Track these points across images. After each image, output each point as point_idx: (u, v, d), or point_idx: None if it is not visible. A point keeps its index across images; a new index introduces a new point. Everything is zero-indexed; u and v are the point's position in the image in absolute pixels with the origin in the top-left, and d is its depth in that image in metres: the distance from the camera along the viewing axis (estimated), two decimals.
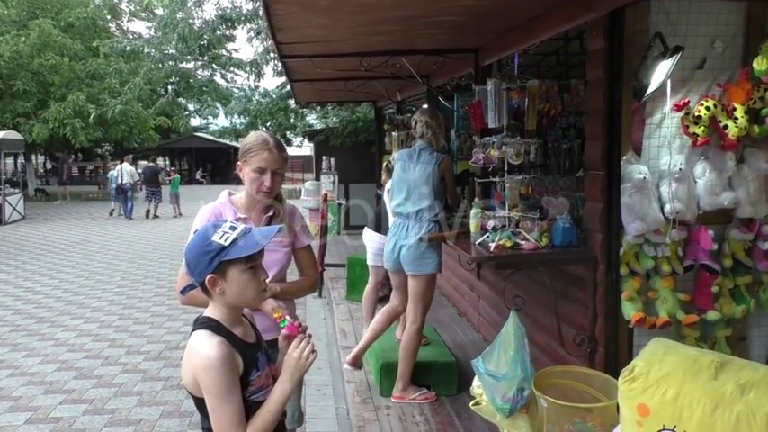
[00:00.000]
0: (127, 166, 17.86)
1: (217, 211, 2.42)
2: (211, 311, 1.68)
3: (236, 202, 2.46)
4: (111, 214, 17.80)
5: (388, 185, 4.90)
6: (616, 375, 1.79)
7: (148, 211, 17.50)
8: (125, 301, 7.52)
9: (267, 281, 2.11)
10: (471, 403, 2.95)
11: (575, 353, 3.27)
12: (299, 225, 2.57)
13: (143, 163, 23.27)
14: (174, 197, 17.91)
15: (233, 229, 1.62)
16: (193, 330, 1.66)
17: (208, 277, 1.61)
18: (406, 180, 3.89)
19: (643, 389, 1.51)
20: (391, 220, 4.12)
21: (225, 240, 1.59)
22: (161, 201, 17.88)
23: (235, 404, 1.58)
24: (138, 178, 18.60)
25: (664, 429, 1.46)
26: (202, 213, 2.42)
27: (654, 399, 1.48)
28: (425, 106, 4.38)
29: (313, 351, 1.67)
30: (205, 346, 1.58)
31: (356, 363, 4.19)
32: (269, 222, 2.43)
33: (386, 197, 4.86)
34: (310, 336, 1.72)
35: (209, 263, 1.59)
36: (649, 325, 2.96)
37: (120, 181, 17.40)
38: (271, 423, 1.63)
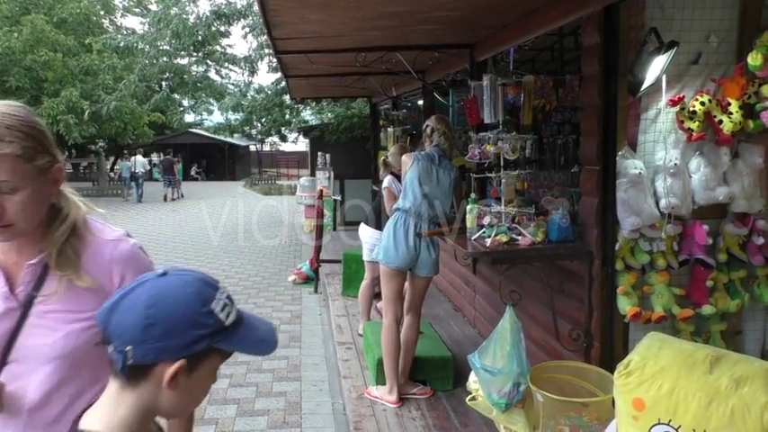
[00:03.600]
0: (140, 158, 21.66)
1: None
2: (111, 415, 0.99)
3: None
4: (126, 199, 21.17)
5: (384, 183, 4.88)
6: (611, 370, 1.79)
7: (166, 195, 20.75)
8: None
9: (26, 400, 1.29)
10: (467, 398, 2.96)
11: (570, 348, 3.28)
12: (121, 273, 1.34)
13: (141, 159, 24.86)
14: (178, 182, 22.00)
15: (229, 301, 1.05)
16: None
17: (177, 364, 0.96)
18: (429, 183, 3.78)
19: (638, 383, 1.51)
20: (392, 216, 3.98)
21: (226, 317, 1.02)
22: (176, 186, 21.37)
23: None
24: (148, 168, 22.42)
25: (659, 423, 1.47)
26: None
27: (649, 393, 1.49)
28: (439, 115, 4.35)
29: None
30: None
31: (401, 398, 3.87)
32: (42, 275, 1.30)
33: (384, 192, 4.83)
34: None
35: (194, 341, 0.97)
36: (644, 319, 2.97)
37: (133, 170, 21.07)
38: None
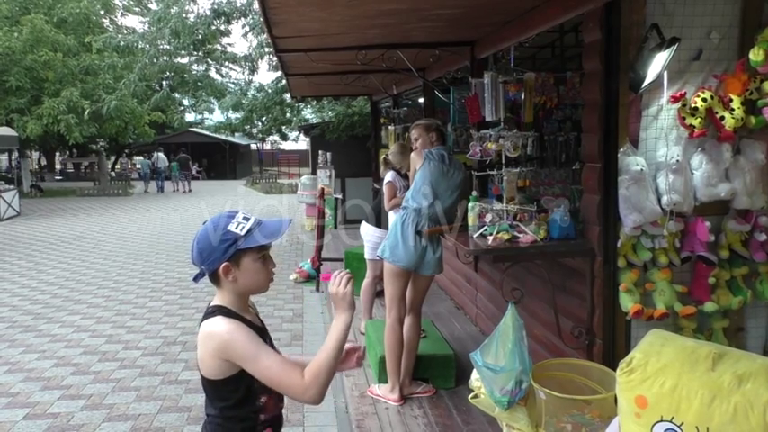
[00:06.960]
0: (161, 155, 25.86)
1: None
2: (220, 300, 1.74)
3: None
4: (146, 191, 24.11)
5: (387, 177, 4.88)
6: (614, 367, 1.79)
7: (184, 190, 23.82)
8: (122, 296, 7.50)
9: None
10: (470, 396, 2.96)
11: (573, 345, 3.28)
12: None
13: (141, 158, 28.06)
14: (175, 177, 25.42)
15: (246, 219, 1.72)
16: (204, 319, 1.70)
17: (223, 265, 1.68)
18: (441, 182, 3.76)
19: (641, 380, 1.51)
20: (399, 212, 3.94)
21: (241, 230, 1.69)
22: (188, 180, 24.73)
23: (274, 355, 1.65)
24: (168, 163, 25.69)
25: (661, 421, 1.46)
26: None
27: (652, 390, 1.48)
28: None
29: (346, 277, 1.75)
30: (223, 325, 1.65)
31: (403, 396, 3.86)
32: None
33: (386, 186, 4.82)
34: (341, 271, 1.80)
35: (225, 251, 1.67)
36: (647, 317, 2.96)
37: (156, 165, 24.97)
38: (329, 362, 1.67)
